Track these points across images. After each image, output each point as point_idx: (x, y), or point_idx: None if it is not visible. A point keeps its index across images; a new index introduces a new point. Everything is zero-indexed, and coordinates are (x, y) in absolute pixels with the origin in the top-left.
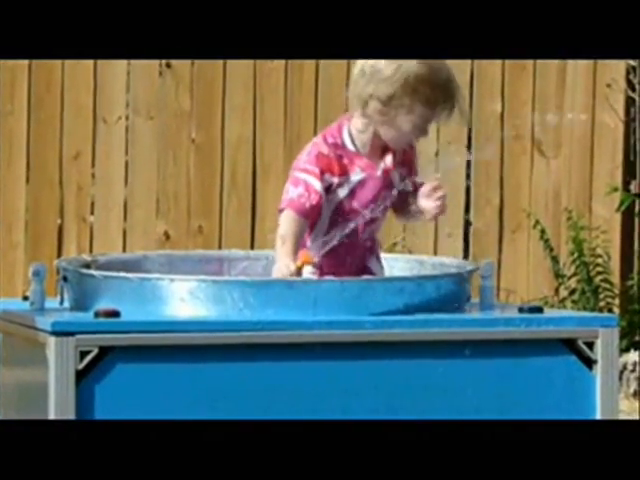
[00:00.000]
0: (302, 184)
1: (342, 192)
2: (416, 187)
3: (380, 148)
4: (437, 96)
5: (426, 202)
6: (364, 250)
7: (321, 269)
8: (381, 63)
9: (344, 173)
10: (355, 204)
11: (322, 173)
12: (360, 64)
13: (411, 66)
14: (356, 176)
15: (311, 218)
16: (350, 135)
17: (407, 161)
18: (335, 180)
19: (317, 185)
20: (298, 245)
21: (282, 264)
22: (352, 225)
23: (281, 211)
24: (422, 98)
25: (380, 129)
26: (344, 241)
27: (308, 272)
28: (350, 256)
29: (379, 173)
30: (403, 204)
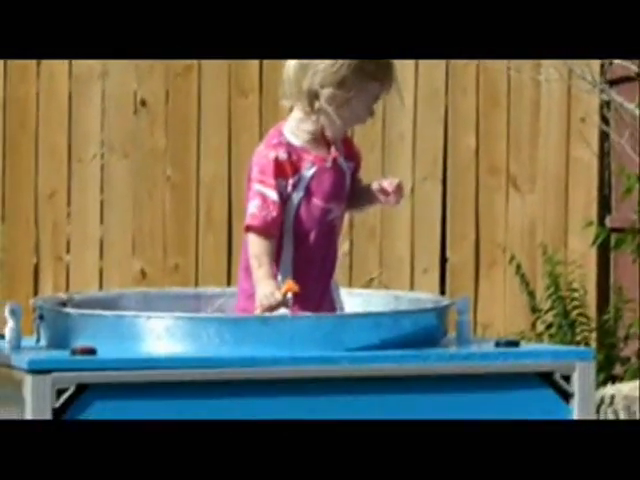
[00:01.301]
0: (258, 197)
1: (299, 192)
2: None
3: (322, 141)
4: (382, 69)
5: (386, 185)
6: (327, 265)
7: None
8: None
9: (296, 171)
10: (315, 200)
11: (277, 179)
12: (293, 62)
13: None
14: (308, 171)
15: (276, 232)
16: (292, 132)
17: (352, 155)
18: (290, 181)
19: (274, 196)
20: (273, 262)
21: (267, 291)
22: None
23: (247, 228)
24: (370, 74)
25: (333, 119)
26: (307, 256)
27: (284, 308)
28: (313, 274)
29: (329, 164)
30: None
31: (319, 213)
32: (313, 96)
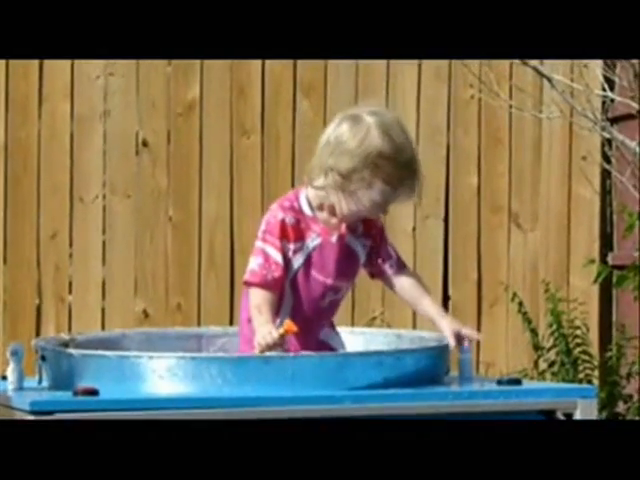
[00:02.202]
0: (261, 255)
1: (299, 259)
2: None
3: (335, 216)
4: (399, 175)
5: (451, 342)
6: (324, 320)
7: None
8: (346, 135)
9: (300, 238)
10: (313, 272)
11: (281, 241)
12: (327, 134)
13: (375, 141)
14: (312, 242)
15: (275, 289)
16: (307, 200)
17: (371, 233)
18: (292, 247)
19: (277, 256)
20: (274, 313)
21: (265, 331)
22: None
23: (246, 284)
24: (383, 175)
25: (337, 202)
26: (304, 310)
27: (280, 349)
28: (310, 326)
29: (334, 239)
30: (384, 276)
31: (316, 285)
32: (324, 173)
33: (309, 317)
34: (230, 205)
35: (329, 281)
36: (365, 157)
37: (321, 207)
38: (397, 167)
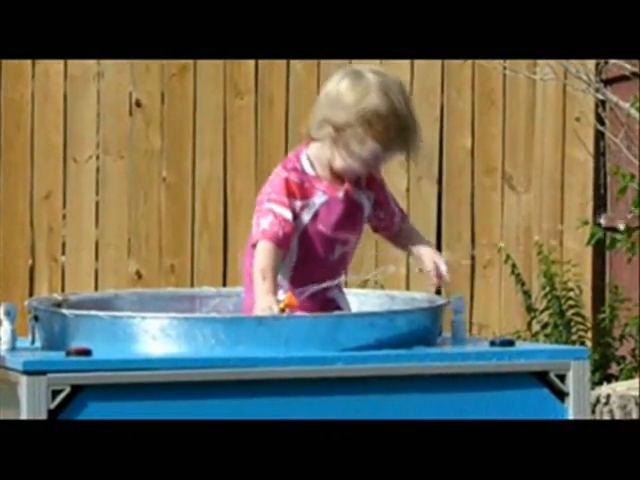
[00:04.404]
0: (271, 214)
1: (306, 216)
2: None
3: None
4: (391, 137)
5: (427, 264)
6: (333, 276)
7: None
8: (345, 90)
9: (307, 196)
10: (321, 227)
11: (288, 198)
12: (328, 87)
13: (373, 100)
14: (319, 199)
15: (285, 248)
16: (309, 159)
17: (373, 186)
18: (298, 204)
19: (287, 214)
20: (276, 279)
21: (265, 305)
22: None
23: (254, 245)
24: (375, 134)
25: (330, 155)
26: (313, 265)
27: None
28: (319, 281)
29: (341, 195)
30: (388, 232)
31: (324, 240)
32: (319, 126)
33: (316, 273)
34: (224, 166)
35: (337, 235)
36: (360, 113)
37: (323, 165)
38: (390, 128)
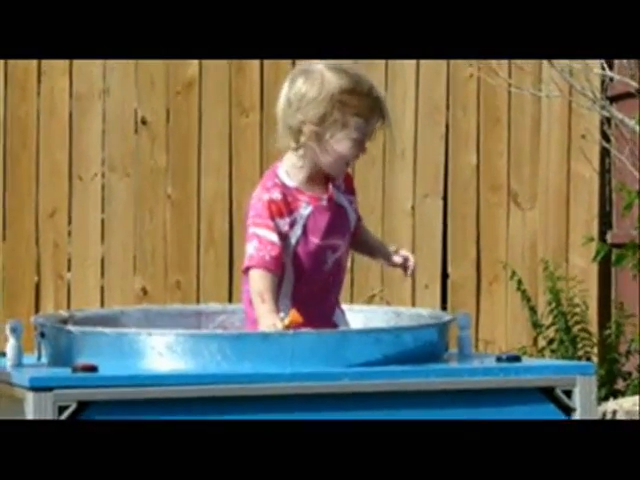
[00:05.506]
0: (256, 238)
1: (298, 230)
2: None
3: (319, 179)
4: (366, 105)
5: (396, 259)
6: (330, 292)
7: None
8: (304, 88)
9: (292, 211)
10: (312, 238)
11: (273, 220)
12: (284, 96)
13: (332, 81)
14: (305, 210)
15: (276, 269)
16: (286, 172)
17: (352, 188)
18: (287, 221)
19: (272, 236)
20: (276, 299)
21: (269, 323)
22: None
23: (245, 271)
24: (352, 109)
25: (319, 156)
26: (310, 278)
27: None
28: (316, 300)
29: (324, 202)
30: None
31: (317, 250)
32: (297, 133)
33: (314, 289)
34: (229, 183)
35: (328, 242)
36: (330, 99)
37: (301, 174)
38: (362, 97)
